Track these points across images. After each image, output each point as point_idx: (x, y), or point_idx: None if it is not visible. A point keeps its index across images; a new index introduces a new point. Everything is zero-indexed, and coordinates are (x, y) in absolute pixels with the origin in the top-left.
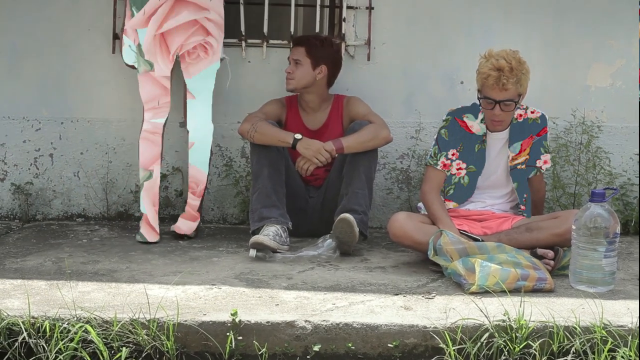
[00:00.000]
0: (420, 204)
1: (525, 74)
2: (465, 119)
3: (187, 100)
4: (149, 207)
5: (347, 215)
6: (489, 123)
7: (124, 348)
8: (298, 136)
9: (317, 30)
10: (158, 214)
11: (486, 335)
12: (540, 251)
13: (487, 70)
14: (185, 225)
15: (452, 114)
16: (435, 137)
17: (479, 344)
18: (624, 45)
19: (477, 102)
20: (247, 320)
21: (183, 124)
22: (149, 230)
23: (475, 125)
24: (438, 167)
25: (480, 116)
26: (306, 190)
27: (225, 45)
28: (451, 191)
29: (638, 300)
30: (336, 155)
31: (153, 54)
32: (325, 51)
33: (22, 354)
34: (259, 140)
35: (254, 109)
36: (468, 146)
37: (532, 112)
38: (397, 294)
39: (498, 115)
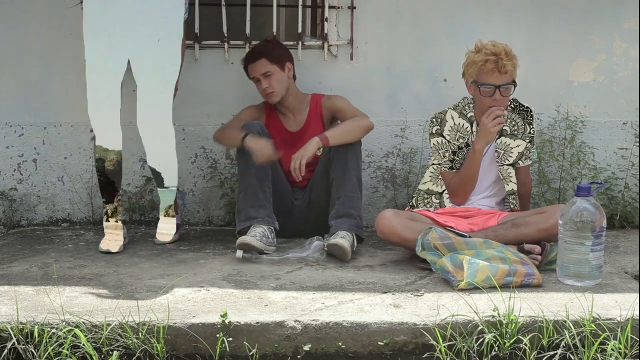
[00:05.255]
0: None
1: (516, 61)
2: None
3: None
4: None
5: (341, 241)
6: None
7: (114, 352)
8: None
9: (300, 30)
10: (144, 217)
11: (476, 331)
12: (527, 246)
13: (483, 57)
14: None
15: (438, 116)
16: (430, 143)
17: (469, 340)
18: (605, 40)
19: (467, 97)
20: (237, 321)
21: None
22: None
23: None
24: (451, 170)
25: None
26: (292, 191)
27: (208, 47)
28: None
29: (638, 294)
30: (321, 151)
31: None
32: (280, 49)
33: None
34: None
35: (237, 110)
36: None
37: None
38: (385, 292)
39: (499, 100)
